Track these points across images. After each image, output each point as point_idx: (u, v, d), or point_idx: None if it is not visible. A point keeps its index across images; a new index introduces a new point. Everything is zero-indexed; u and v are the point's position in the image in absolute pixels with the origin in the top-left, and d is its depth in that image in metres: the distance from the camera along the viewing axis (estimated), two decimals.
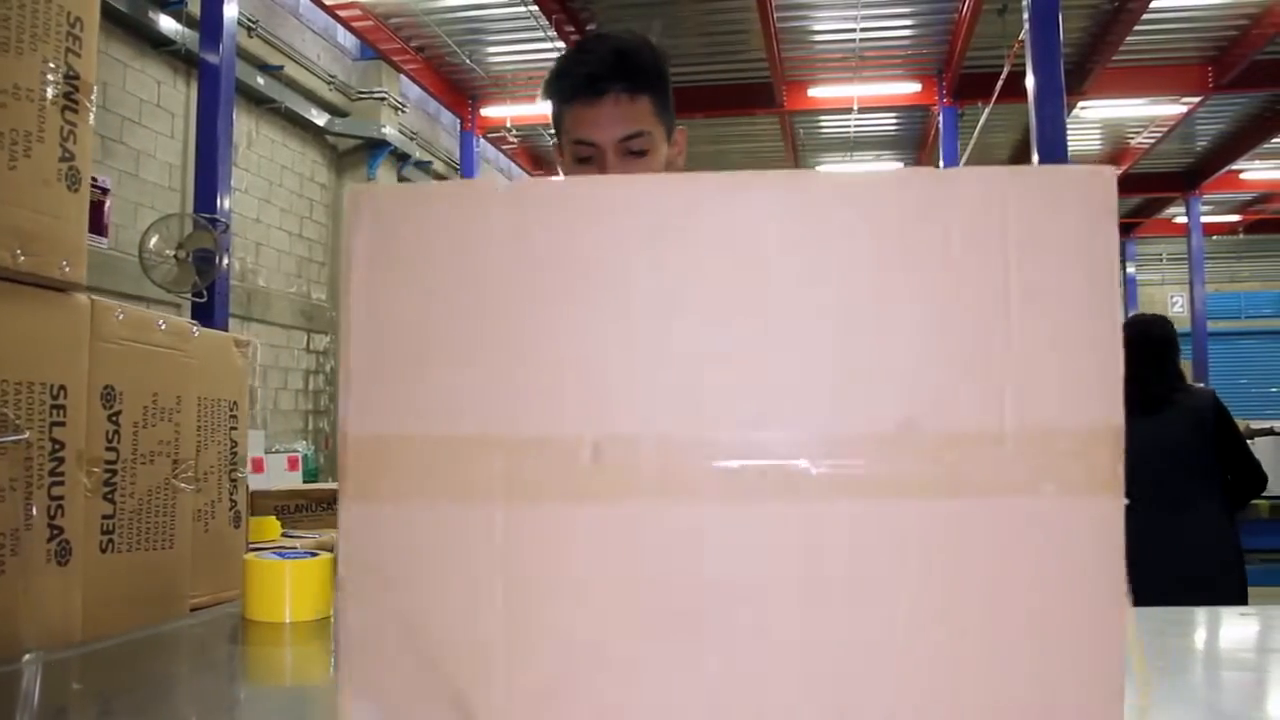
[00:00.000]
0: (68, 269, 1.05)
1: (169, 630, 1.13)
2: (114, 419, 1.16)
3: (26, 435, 1.01)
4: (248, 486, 1.62)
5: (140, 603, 1.19)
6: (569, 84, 1.28)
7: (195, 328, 1.32)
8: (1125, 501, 0.55)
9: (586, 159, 1.28)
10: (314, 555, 1.19)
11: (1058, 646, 0.56)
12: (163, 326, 1.24)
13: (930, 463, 0.56)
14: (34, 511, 1.01)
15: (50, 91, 1.02)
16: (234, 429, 1.48)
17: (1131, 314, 3.53)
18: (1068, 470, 0.55)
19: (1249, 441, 3.37)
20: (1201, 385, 3.21)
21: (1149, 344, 3.03)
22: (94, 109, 1.09)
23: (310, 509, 3.55)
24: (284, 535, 3.12)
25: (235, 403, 1.49)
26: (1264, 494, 3.19)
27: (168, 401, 1.25)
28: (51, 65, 1.03)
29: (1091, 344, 0.55)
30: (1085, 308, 0.55)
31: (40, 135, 1.01)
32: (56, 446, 1.06)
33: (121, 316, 1.16)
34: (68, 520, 1.07)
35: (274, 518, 3.13)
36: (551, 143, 1.43)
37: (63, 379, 1.07)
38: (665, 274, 0.57)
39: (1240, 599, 2.83)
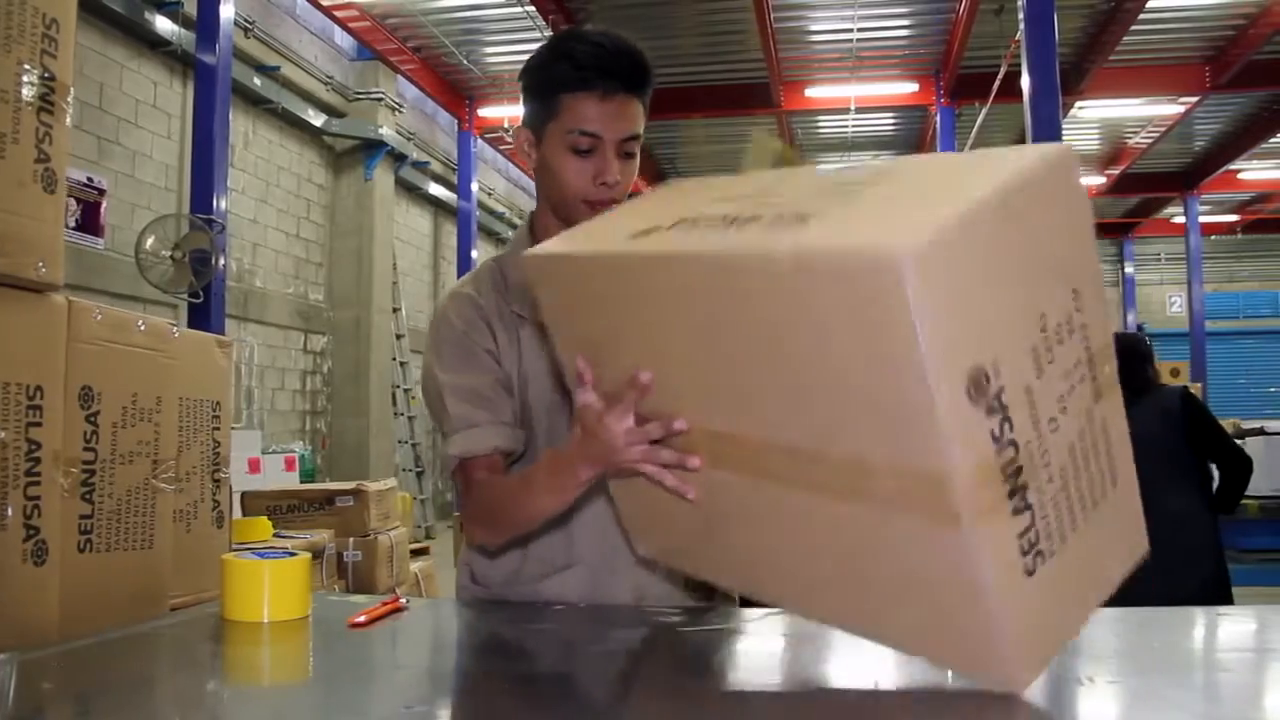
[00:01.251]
0: (43, 270, 1.05)
1: (145, 630, 1.13)
2: (92, 419, 1.16)
3: (1, 436, 1.01)
4: (231, 486, 1.62)
5: (119, 602, 1.19)
6: (585, 75, 1.26)
7: (175, 328, 1.32)
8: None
9: (586, 151, 1.28)
10: (292, 555, 1.19)
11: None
12: (142, 327, 1.25)
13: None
14: (9, 512, 1.02)
15: (26, 93, 1.03)
16: (216, 429, 1.48)
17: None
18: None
19: (1240, 441, 3.38)
20: (1175, 385, 3.28)
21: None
22: (70, 110, 1.09)
23: (302, 509, 3.56)
24: (276, 535, 3.13)
25: (218, 403, 1.49)
26: (1253, 494, 3.18)
27: (147, 402, 1.26)
28: (27, 67, 1.03)
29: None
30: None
31: (15, 137, 1.01)
32: (33, 447, 1.06)
33: (100, 317, 1.16)
34: (44, 520, 1.07)
35: (265, 518, 3.14)
36: (512, 128, 1.41)
37: (39, 379, 1.07)
38: None
39: (1216, 587, 2.83)
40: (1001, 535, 0.72)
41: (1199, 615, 1.19)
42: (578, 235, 1.03)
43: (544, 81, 1.30)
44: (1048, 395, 0.74)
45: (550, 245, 1.01)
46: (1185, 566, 2.79)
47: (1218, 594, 2.84)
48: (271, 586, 1.15)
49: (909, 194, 0.74)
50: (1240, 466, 2.98)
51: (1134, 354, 3.24)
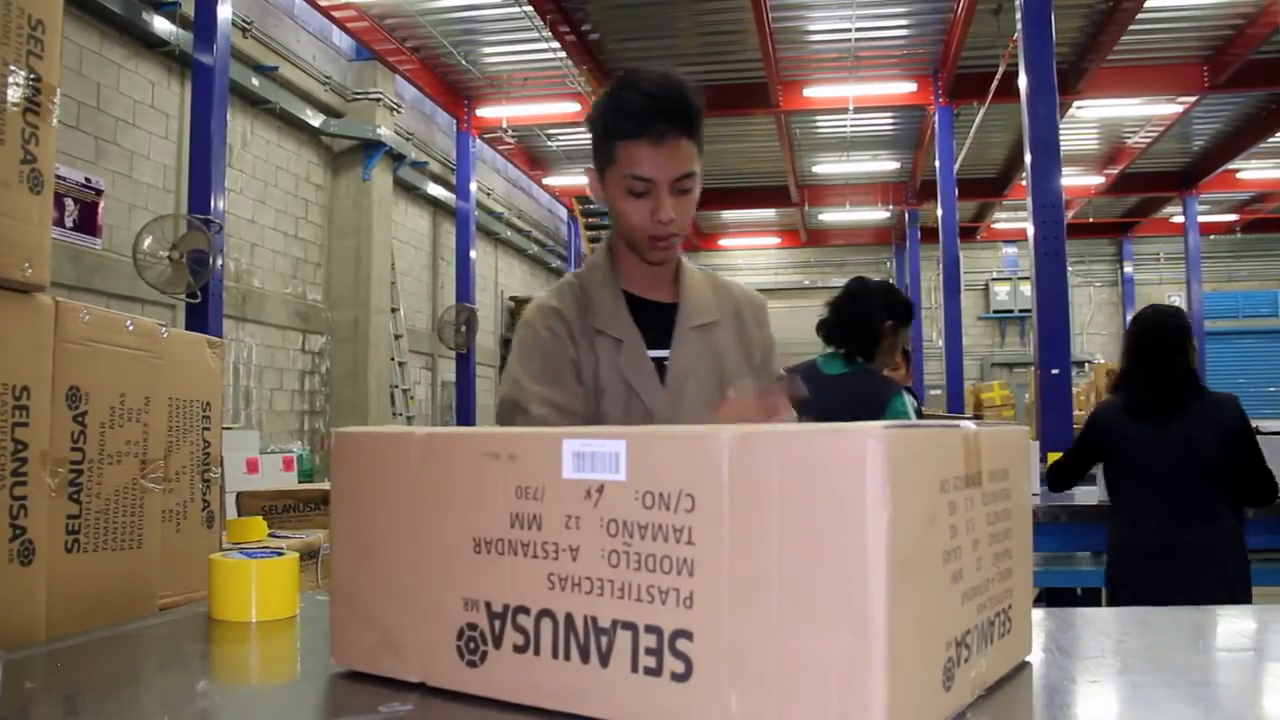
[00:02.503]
0: (29, 270, 1.05)
1: (132, 629, 1.13)
2: (79, 419, 1.16)
3: None
4: (223, 486, 1.62)
5: (107, 602, 1.19)
6: (635, 124, 1.38)
7: (164, 328, 1.32)
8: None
9: (641, 193, 1.41)
10: (280, 555, 1.19)
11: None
12: (130, 328, 1.25)
13: None
14: None
15: (12, 94, 1.03)
16: (207, 429, 1.48)
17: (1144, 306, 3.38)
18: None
19: None
20: (1223, 394, 3.04)
21: (1157, 339, 2.93)
22: (56, 110, 1.09)
23: (298, 509, 3.55)
24: (271, 535, 3.11)
25: (208, 403, 1.49)
26: None
27: (136, 402, 1.26)
28: (13, 68, 1.03)
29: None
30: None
31: (0, 138, 1.01)
32: (19, 447, 1.06)
33: (87, 318, 1.16)
34: (31, 520, 1.08)
35: (260, 518, 3.13)
36: (586, 167, 1.52)
37: (25, 380, 1.07)
38: None
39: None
40: None
41: (1198, 615, 1.19)
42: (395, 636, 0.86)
43: (601, 131, 1.44)
44: (979, 567, 0.73)
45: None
46: (1221, 593, 2.68)
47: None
48: (259, 586, 1.15)
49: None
50: (1270, 495, 2.83)
51: (1172, 330, 2.92)
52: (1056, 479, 3.26)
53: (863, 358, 2.92)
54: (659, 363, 1.50)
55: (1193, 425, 2.83)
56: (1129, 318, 3.30)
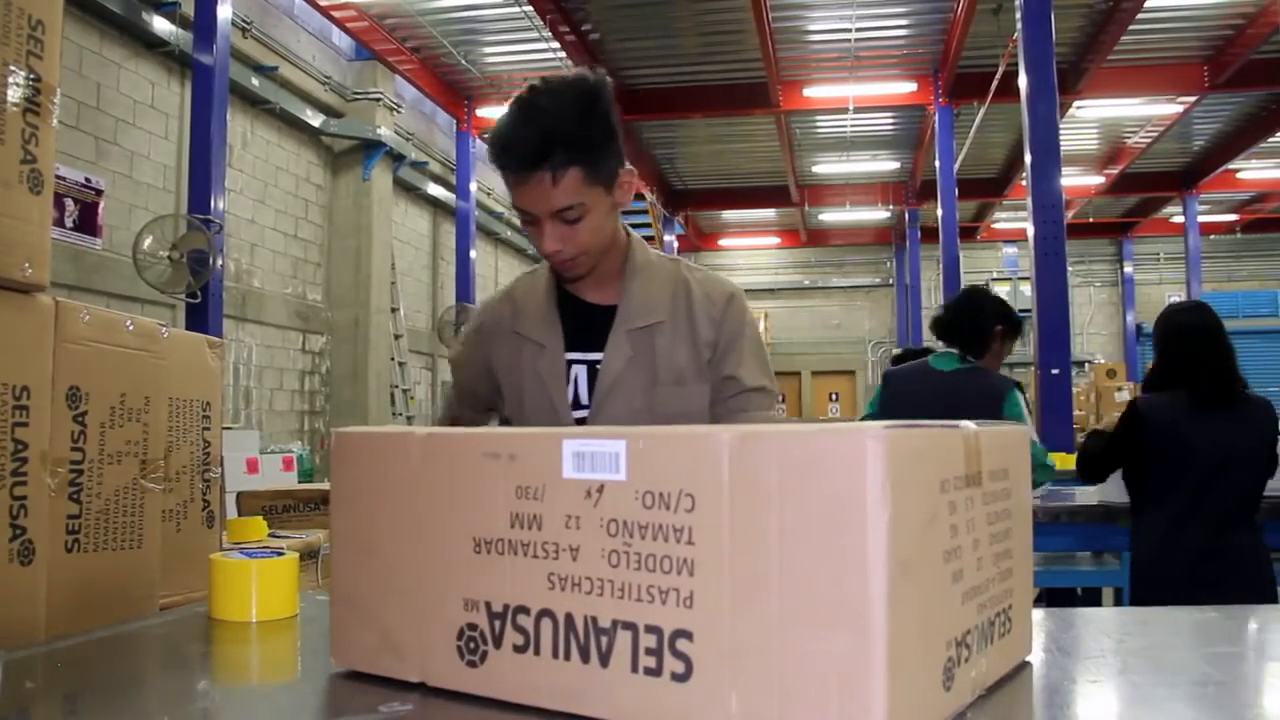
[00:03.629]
0: (29, 270, 1.05)
1: (132, 629, 1.13)
2: (80, 419, 1.16)
3: None
4: (224, 486, 1.62)
5: (107, 602, 1.19)
6: (504, 158, 1.32)
7: (164, 328, 1.32)
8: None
9: (529, 222, 1.37)
10: (280, 555, 1.19)
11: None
12: (130, 328, 1.25)
13: None
14: None
15: (12, 95, 1.03)
16: (207, 429, 1.48)
17: (1172, 304, 3.19)
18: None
19: None
20: (1258, 396, 2.94)
21: (1219, 331, 2.87)
22: (56, 111, 1.09)
23: (298, 509, 3.54)
24: (271, 535, 3.11)
25: (208, 403, 1.49)
26: None
27: (136, 402, 1.26)
28: (13, 68, 1.03)
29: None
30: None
31: (1, 138, 1.01)
32: (19, 447, 1.06)
33: (87, 318, 1.16)
34: (31, 520, 1.08)
35: (260, 517, 3.13)
36: None
37: (26, 379, 1.07)
38: None
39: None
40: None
41: (1199, 615, 1.19)
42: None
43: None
44: (980, 565, 0.73)
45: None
46: (1269, 590, 2.65)
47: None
48: (259, 586, 1.15)
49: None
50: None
51: (1222, 328, 2.86)
52: (1092, 467, 3.03)
53: (973, 357, 3.11)
54: (593, 366, 1.46)
55: (1250, 427, 2.74)
56: (1128, 318, 3.28)
